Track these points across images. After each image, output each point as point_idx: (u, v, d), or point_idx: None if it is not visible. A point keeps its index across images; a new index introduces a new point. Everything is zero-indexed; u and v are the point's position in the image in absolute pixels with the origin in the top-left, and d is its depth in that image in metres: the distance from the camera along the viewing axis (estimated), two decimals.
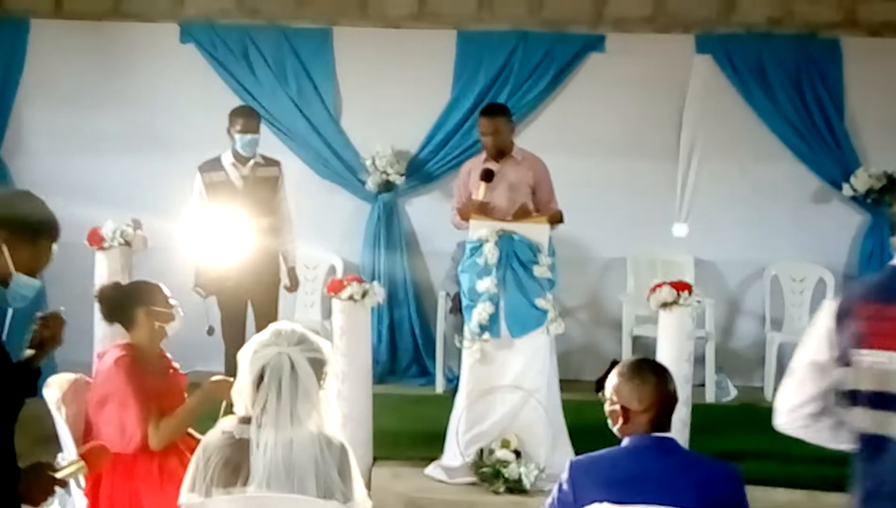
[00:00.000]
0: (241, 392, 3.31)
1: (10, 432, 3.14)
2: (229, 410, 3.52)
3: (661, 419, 3.47)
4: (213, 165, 6.72)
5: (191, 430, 4.46)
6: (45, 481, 3.14)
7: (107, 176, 7.95)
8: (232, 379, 4.40)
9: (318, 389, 3.29)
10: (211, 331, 6.54)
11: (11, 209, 3.14)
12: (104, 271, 6.44)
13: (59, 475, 3.21)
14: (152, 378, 4.39)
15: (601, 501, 3.28)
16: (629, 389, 3.46)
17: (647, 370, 3.53)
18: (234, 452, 3.26)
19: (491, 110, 6.65)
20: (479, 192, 6.23)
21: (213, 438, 3.34)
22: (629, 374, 3.50)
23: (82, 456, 3.36)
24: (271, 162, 6.88)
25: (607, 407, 3.51)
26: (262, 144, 6.85)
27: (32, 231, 3.16)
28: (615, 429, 3.50)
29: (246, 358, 3.30)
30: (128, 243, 6.49)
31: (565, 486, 3.39)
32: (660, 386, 3.47)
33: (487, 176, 6.30)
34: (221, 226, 6.39)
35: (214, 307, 6.69)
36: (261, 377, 3.25)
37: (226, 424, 3.35)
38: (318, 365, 3.30)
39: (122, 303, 4.43)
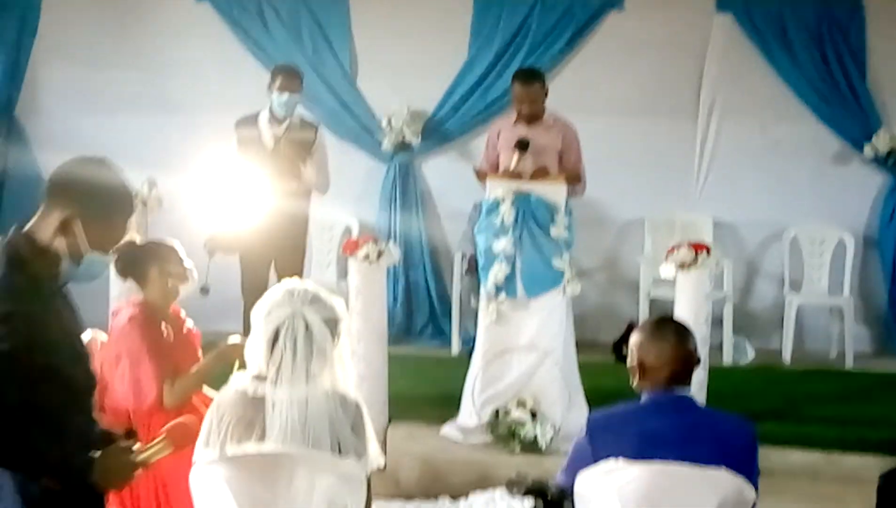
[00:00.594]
0: (255, 352, 3.28)
1: (90, 416, 3.02)
2: (242, 370, 3.49)
3: (680, 376, 3.44)
4: (249, 120, 6.63)
5: (206, 390, 4.45)
6: (124, 465, 2.95)
7: (122, 136, 7.90)
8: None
9: (332, 347, 3.27)
10: (205, 291, 6.42)
11: (86, 184, 2.93)
12: None
13: (140, 457, 3.01)
14: (166, 336, 4.38)
15: (617, 456, 3.27)
16: (650, 345, 3.45)
17: (669, 327, 3.51)
18: (248, 409, 3.25)
19: (526, 78, 6.31)
20: (513, 161, 6.11)
21: (226, 395, 3.32)
22: (651, 331, 3.49)
23: (166, 434, 3.21)
24: (308, 125, 6.77)
25: (629, 362, 3.49)
26: None
27: (107, 208, 2.95)
28: (634, 385, 3.48)
29: (259, 318, 3.27)
30: (143, 203, 6.46)
31: (583, 440, 3.38)
32: (680, 344, 3.45)
33: (522, 146, 6.15)
34: (247, 184, 6.28)
35: (216, 268, 6.62)
36: (275, 338, 3.23)
37: (238, 381, 3.33)
38: (332, 324, 3.28)
39: (136, 260, 4.42)
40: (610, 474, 3.28)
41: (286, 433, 3.18)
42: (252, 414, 3.24)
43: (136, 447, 3.05)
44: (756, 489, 3.37)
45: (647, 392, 3.45)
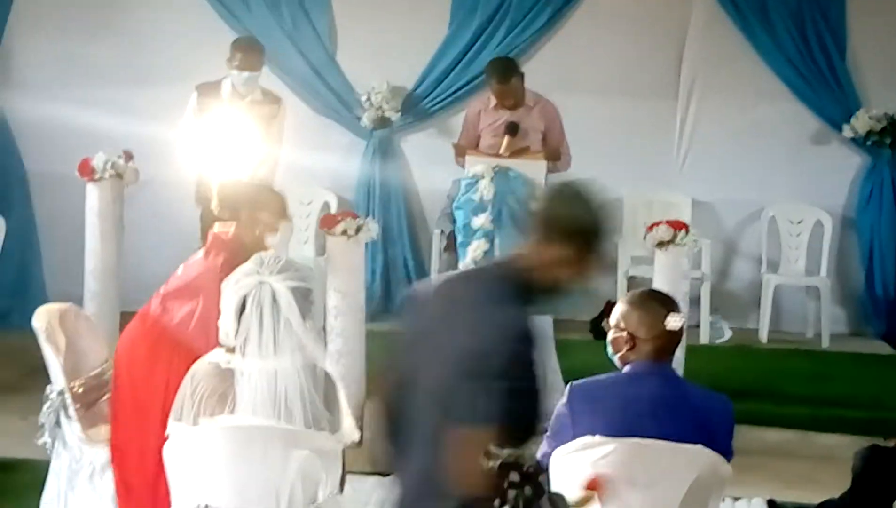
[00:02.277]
0: (224, 322, 3.24)
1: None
2: None
3: (665, 349, 3.44)
4: (211, 90, 6.54)
5: None
6: None
7: (98, 108, 7.83)
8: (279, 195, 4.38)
9: (301, 319, 3.21)
10: None
11: (584, 222, 2.80)
12: (95, 202, 6.36)
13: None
14: None
15: (596, 425, 3.26)
16: (637, 317, 3.43)
17: (657, 299, 3.51)
18: (221, 382, 3.22)
19: (503, 75, 6.23)
20: (503, 146, 6.07)
21: (199, 368, 3.30)
22: (639, 302, 3.47)
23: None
24: (272, 98, 6.71)
25: (611, 334, 3.48)
26: None
27: (600, 240, 2.84)
28: (616, 357, 3.46)
29: (228, 287, 3.24)
30: (119, 176, 6.40)
31: (563, 409, 3.37)
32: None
33: (513, 130, 6.10)
34: (216, 142, 6.19)
35: None
36: (242, 307, 3.20)
37: (212, 354, 3.30)
38: (300, 294, 3.23)
39: (231, 198, 4.30)
40: (586, 449, 3.28)
41: (255, 406, 3.16)
42: (224, 387, 3.22)
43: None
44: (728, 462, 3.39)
45: (631, 364, 3.43)
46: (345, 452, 3.35)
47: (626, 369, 3.42)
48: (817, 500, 4.86)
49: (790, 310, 8.23)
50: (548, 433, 3.38)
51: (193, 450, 3.25)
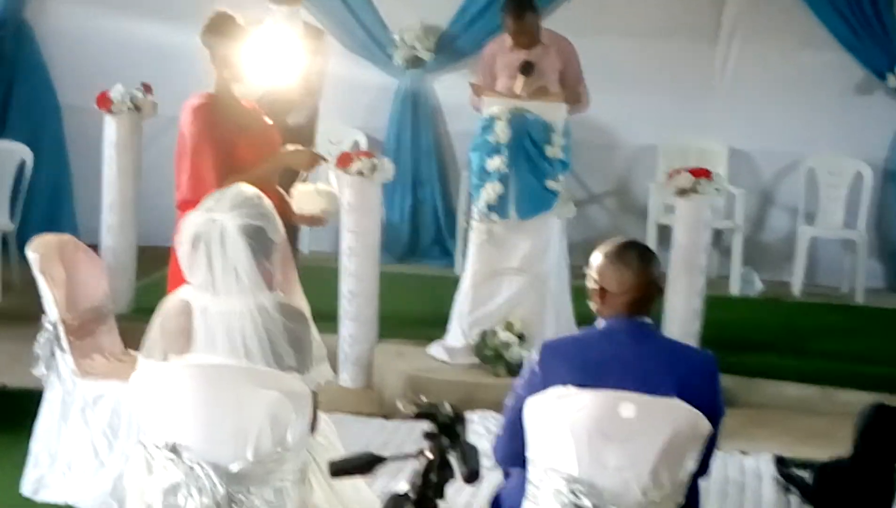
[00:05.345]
0: (180, 258, 3.19)
1: None
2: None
3: (640, 304, 3.31)
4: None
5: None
6: None
7: (128, 39, 7.81)
8: (309, 150, 4.45)
9: (250, 258, 3.12)
10: None
11: None
12: (113, 135, 6.35)
13: None
14: (230, 129, 4.22)
15: (567, 383, 3.18)
16: (610, 271, 3.31)
17: (632, 253, 3.35)
18: (188, 319, 3.17)
19: (515, 11, 6.08)
20: (518, 85, 5.94)
21: (169, 304, 3.25)
22: (612, 255, 3.34)
23: None
24: (314, 32, 6.60)
25: (588, 285, 3.37)
26: None
27: None
28: (594, 309, 3.37)
29: (184, 223, 3.18)
30: (137, 108, 6.37)
31: (535, 367, 3.29)
32: (641, 272, 3.30)
33: (527, 69, 5.97)
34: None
35: None
36: (193, 243, 3.13)
37: (182, 290, 3.25)
38: (251, 232, 3.14)
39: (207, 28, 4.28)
40: (560, 400, 3.19)
41: (213, 345, 3.11)
42: (191, 324, 3.17)
43: None
44: (717, 424, 3.27)
45: (604, 319, 3.34)
46: (316, 394, 3.28)
47: (600, 324, 3.32)
48: (831, 456, 4.78)
49: (826, 264, 8.04)
50: (515, 387, 3.31)
51: (162, 388, 3.21)
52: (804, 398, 6.01)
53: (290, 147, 4.37)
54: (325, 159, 4.46)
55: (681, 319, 5.82)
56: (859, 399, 5.69)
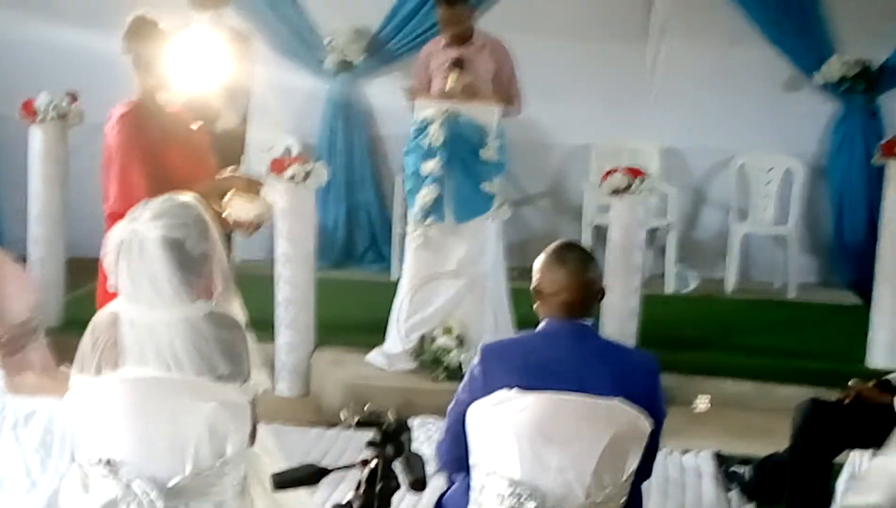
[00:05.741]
0: (107, 268, 3.11)
1: None
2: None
3: (578, 305, 3.31)
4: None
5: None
6: None
7: (51, 47, 7.66)
8: (246, 176, 4.40)
9: (170, 270, 3.03)
10: None
11: None
12: (38, 144, 6.22)
13: None
14: (157, 136, 4.14)
15: (510, 385, 3.16)
16: (546, 271, 3.33)
17: (568, 254, 3.37)
18: (119, 332, 3.10)
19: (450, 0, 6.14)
20: (450, 80, 5.91)
21: (100, 318, 3.17)
22: (550, 256, 3.37)
23: None
24: (240, 38, 6.50)
25: (532, 285, 3.37)
26: None
27: None
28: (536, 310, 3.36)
29: (111, 231, 3.10)
30: (62, 117, 6.24)
31: (476, 370, 3.28)
32: (576, 272, 3.31)
33: (458, 64, 5.95)
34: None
35: None
36: (116, 254, 3.06)
37: (113, 303, 3.17)
38: (172, 243, 3.04)
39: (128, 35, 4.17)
40: (502, 404, 3.17)
41: (143, 357, 3.04)
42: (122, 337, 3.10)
43: None
44: (659, 426, 3.27)
45: (545, 320, 3.32)
46: (254, 404, 3.21)
47: (541, 327, 3.32)
48: (770, 452, 4.81)
49: (758, 260, 8.12)
50: (458, 392, 3.28)
51: (96, 403, 3.14)
52: (741, 395, 6.06)
53: (227, 172, 4.29)
54: (260, 184, 4.38)
55: (618, 318, 5.83)
56: (797, 395, 5.72)
